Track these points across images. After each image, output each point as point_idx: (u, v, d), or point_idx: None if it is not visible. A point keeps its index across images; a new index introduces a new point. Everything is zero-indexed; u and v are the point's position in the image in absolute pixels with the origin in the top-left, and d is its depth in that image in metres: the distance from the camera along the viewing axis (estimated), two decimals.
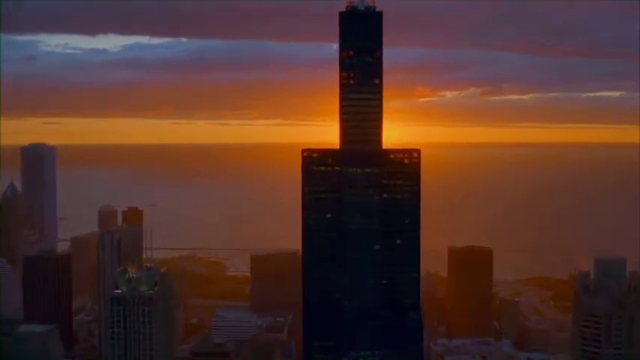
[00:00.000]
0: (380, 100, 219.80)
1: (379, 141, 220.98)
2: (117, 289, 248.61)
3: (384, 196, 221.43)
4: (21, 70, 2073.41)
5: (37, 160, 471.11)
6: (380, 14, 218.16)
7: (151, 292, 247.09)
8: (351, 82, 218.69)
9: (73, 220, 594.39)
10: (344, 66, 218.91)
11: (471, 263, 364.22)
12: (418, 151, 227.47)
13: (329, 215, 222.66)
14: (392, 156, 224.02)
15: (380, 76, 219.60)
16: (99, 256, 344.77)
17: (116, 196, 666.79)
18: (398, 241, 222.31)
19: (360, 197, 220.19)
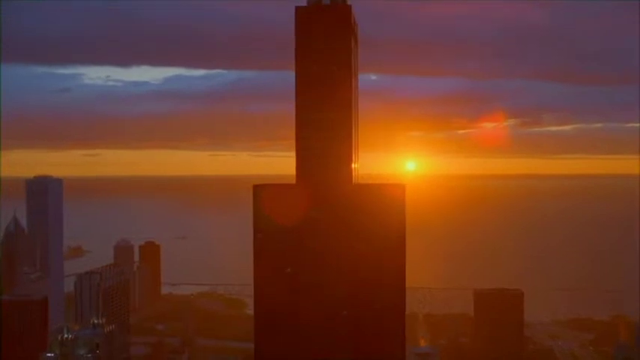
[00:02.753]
0: (348, 122, 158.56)
1: (347, 174, 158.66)
2: (49, 352, 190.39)
3: (354, 245, 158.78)
4: (61, 102, 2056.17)
5: (42, 193, 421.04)
6: (348, 9, 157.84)
7: (89, 356, 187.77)
8: (310, 100, 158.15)
9: (99, 253, 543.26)
10: (300, 80, 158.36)
11: (500, 306, 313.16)
12: (402, 186, 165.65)
13: (288, 270, 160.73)
14: (365, 193, 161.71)
15: (349, 93, 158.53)
16: (76, 301, 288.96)
17: (147, 228, 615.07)
18: (376, 306, 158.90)
19: (321, 248, 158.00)
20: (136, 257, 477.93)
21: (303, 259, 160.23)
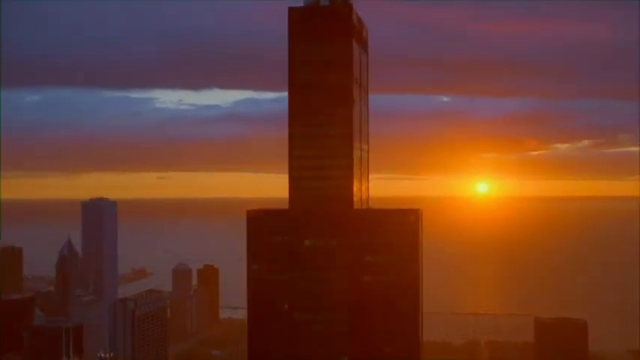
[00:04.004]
0: (348, 140, 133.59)
1: (347, 198, 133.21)
2: None
3: (357, 278, 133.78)
4: (135, 126, 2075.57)
5: (97, 215, 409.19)
6: (348, 8, 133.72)
7: None
8: (304, 113, 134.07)
9: (161, 276, 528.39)
10: (293, 90, 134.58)
11: (562, 335, 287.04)
12: (416, 212, 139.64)
13: (285, 306, 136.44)
14: (368, 220, 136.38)
15: (349, 105, 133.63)
16: (109, 327, 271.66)
17: (214, 250, 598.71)
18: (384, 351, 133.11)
19: (318, 281, 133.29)
20: (195, 281, 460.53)
21: (300, 295, 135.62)
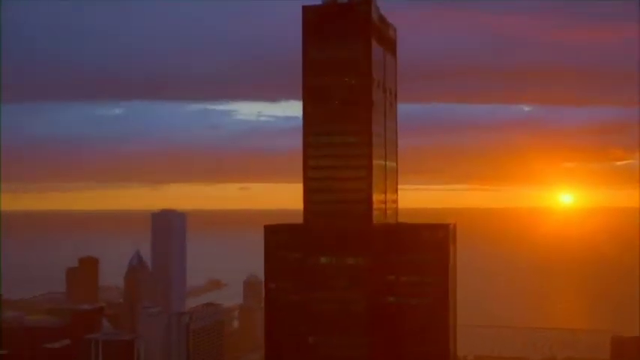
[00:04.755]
0: (367, 148, 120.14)
1: (366, 212, 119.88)
2: None
3: (383, 299, 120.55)
4: (215, 138, 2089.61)
5: (166, 227, 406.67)
6: (367, 5, 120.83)
7: None
8: (318, 120, 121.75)
9: (235, 287, 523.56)
10: (307, 96, 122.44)
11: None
12: (445, 227, 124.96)
13: (310, 340, 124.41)
14: (391, 236, 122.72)
15: (368, 111, 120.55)
16: (163, 341, 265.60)
17: None
18: None
19: (335, 303, 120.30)
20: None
21: (315, 317, 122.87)
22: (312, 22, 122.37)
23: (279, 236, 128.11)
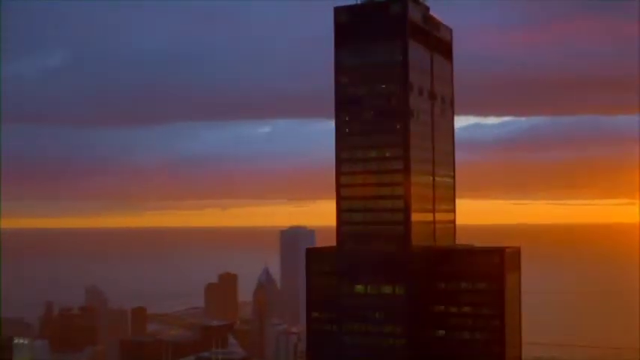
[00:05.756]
0: (405, 163, 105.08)
1: (403, 234, 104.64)
2: None
3: (428, 333, 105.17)
4: None
5: (293, 244, 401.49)
6: (403, 4, 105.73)
7: None
8: (351, 133, 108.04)
9: None
10: (338, 106, 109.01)
11: None
12: (501, 252, 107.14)
13: None
14: (441, 261, 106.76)
15: (405, 122, 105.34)
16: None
17: None
18: None
19: (373, 336, 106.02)
20: None
21: (351, 351, 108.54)
22: (344, 23, 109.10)
23: (316, 260, 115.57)
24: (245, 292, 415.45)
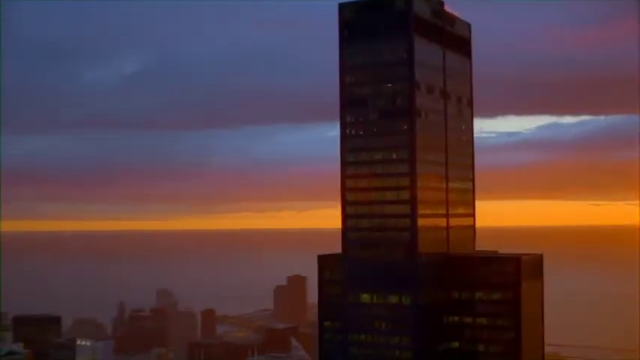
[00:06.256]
0: (411, 165, 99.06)
1: (409, 241, 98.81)
2: None
3: (440, 345, 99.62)
4: None
5: None
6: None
7: None
8: (355, 133, 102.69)
9: None
10: (343, 106, 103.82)
11: None
12: (517, 260, 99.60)
13: None
14: (451, 269, 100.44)
15: (411, 121, 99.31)
16: None
17: None
18: None
19: (382, 349, 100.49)
20: None
21: None
22: (348, 20, 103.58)
23: (327, 268, 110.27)
24: (315, 295, 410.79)
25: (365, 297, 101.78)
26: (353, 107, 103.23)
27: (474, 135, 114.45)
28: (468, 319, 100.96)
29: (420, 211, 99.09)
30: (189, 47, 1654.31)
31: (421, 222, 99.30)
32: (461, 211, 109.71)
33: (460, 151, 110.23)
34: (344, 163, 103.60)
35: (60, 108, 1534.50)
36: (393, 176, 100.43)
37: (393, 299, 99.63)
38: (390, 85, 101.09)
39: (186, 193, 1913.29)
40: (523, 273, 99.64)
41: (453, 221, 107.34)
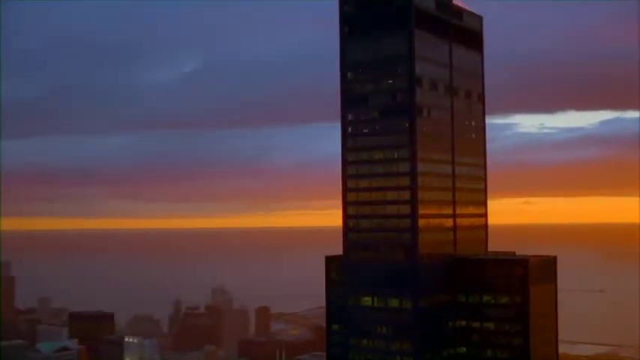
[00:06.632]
0: (412, 164, 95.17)
1: (410, 241, 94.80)
2: None
3: (445, 351, 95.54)
4: (492, 151, 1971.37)
5: None
6: None
7: None
8: (356, 131, 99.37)
9: None
10: (344, 104, 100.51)
11: None
12: (525, 262, 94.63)
13: None
14: (454, 272, 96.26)
15: (411, 119, 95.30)
16: None
17: (571, 280, 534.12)
18: None
19: (382, 354, 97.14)
20: None
21: None
22: (349, 14, 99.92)
23: (334, 270, 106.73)
24: None
25: (366, 300, 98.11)
26: (353, 105, 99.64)
27: (486, 130, 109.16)
28: (475, 324, 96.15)
29: (422, 212, 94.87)
30: (248, 47, 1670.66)
31: (423, 222, 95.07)
32: (471, 211, 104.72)
33: (470, 148, 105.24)
34: (344, 163, 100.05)
35: (122, 108, 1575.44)
36: (393, 176, 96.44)
37: (394, 302, 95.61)
38: (390, 81, 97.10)
39: (248, 192, 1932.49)
40: (531, 276, 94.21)
41: (461, 222, 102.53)
